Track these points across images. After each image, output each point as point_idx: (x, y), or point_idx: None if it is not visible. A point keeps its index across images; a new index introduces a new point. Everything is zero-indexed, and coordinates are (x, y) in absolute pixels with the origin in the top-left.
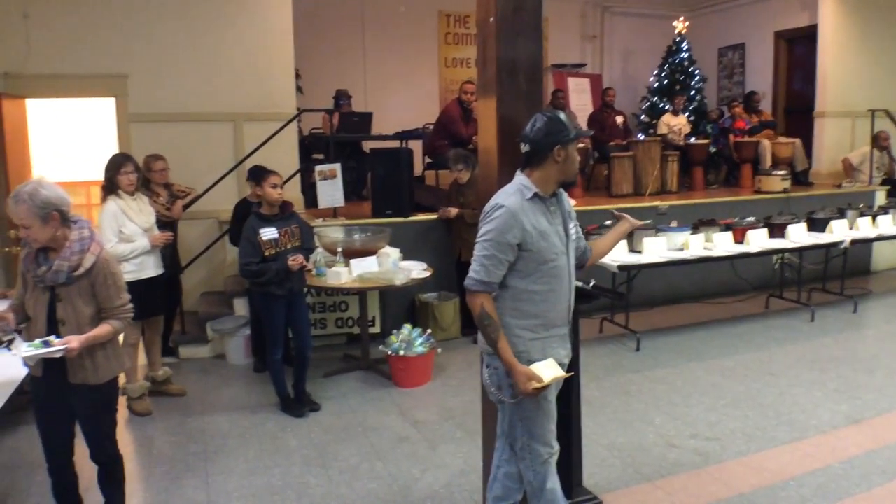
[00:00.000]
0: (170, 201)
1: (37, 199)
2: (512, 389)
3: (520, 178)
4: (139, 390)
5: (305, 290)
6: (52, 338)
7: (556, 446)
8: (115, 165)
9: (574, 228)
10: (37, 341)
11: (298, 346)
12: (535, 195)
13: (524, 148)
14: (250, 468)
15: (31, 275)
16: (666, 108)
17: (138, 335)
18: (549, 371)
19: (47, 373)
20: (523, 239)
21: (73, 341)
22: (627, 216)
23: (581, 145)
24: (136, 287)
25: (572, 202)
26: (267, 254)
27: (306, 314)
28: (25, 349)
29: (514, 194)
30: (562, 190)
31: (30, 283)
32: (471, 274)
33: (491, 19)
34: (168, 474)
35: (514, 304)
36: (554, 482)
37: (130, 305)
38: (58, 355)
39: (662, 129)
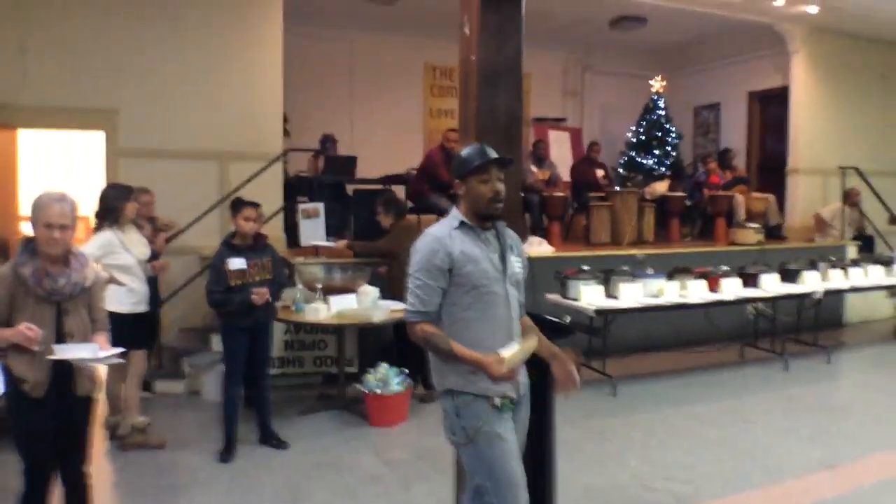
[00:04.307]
0: (152, 234)
1: (71, 200)
2: (465, 430)
3: (452, 211)
4: (138, 426)
5: (286, 327)
6: (93, 344)
7: (522, 492)
8: (124, 194)
9: (517, 264)
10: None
11: (255, 379)
12: (463, 223)
13: None
14: None
15: (44, 289)
16: (644, 162)
17: (145, 365)
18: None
19: (54, 387)
20: (452, 263)
21: (112, 349)
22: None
23: (560, 194)
24: (127, 319)
25: (547, 249)
26: (233, 284)
27: (267, 349)
28: (72, 355)
29: (441, 224)
30: (504, 227)
31: (27, 300)
32: (407, 308)
33: (472, 57)
34: None
35: (449, 332)
36: None
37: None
38: (114, 361)
39: (648, 194)
